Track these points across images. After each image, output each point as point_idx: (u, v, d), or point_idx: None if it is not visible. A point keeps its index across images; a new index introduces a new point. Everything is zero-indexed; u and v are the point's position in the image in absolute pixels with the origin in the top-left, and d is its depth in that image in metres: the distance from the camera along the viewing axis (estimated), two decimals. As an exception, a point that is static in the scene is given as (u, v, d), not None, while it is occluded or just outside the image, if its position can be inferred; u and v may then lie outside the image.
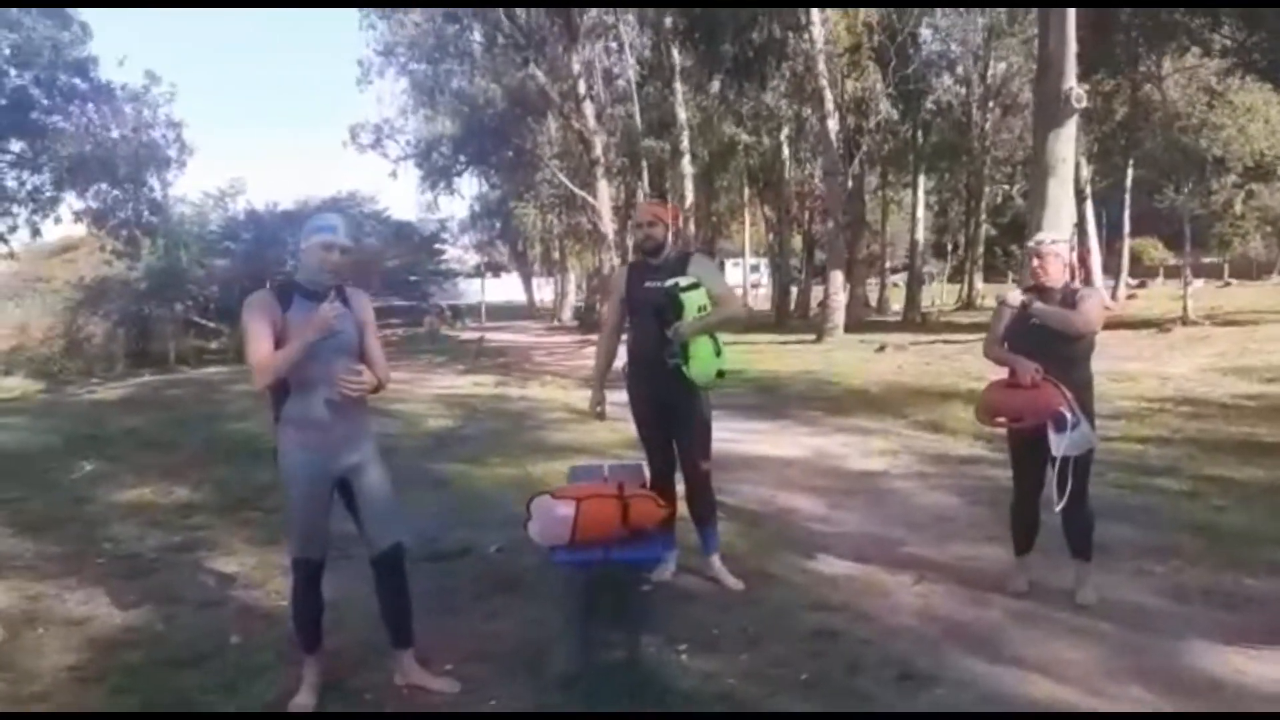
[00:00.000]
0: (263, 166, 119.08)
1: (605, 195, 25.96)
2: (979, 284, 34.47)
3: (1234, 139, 24.00)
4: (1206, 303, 23.89)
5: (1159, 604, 3.95)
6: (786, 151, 28.84)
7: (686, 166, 25.64)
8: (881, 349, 16.94)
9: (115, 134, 21.66)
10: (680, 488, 4.36)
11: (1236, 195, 28.22)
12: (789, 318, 29.69)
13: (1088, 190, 26.72)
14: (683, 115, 25.47)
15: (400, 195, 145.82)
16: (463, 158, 31.20)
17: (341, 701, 3.25)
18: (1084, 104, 13.66)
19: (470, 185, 39.60)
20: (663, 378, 4.09)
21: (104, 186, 22.20)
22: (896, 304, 33.41)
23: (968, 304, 32.64)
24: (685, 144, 25.50)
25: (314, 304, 3.06)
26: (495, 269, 52.74)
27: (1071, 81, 13.31)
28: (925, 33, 28.90)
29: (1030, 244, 4.11)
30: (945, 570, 4.44)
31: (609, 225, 25.47)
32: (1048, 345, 3.77)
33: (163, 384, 15.87)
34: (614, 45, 27.95)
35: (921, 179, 32.92)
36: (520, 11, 24.77)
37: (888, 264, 39.40)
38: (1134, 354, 13.55)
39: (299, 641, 3.29)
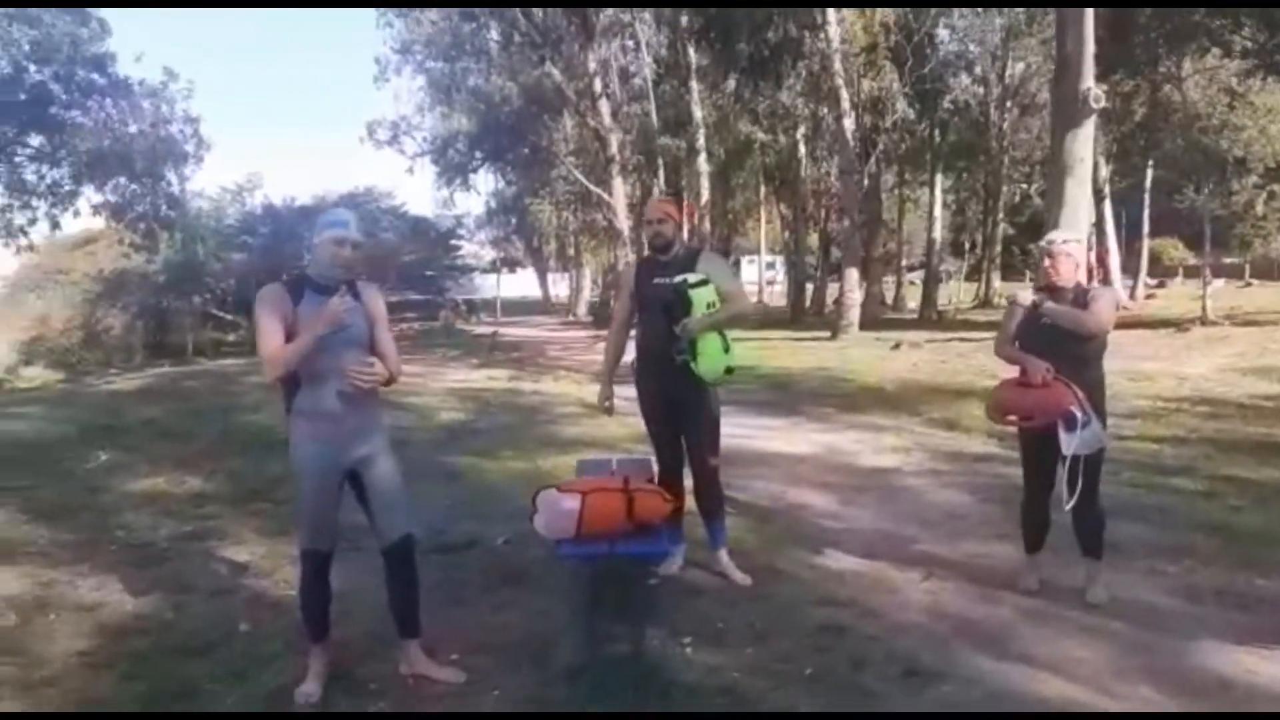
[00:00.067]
0: (273, 166, 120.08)
1: (620, 192, 25.97)
2: (996, 282, 34.33)
3: (1255, 140, 23.74)
4: (1226, 303, 23.67)
5: (1171, 604, 3.92)
6: (803, 150, 28.74)
7: (702, 164, 25.63)
8: (897, 346, 16.85)
9: (133, 129, 21.81)
10: (689, 483, 4.36)
11: (1258, 196, 27.92)
12: (804, 314, 29.61)
13: (1107, 190, 26.52)
14: (699, 113, 25.45)
15: (417, 191, 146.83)
16: (479, 154, 31.28)
17: (347, 691, 3.26)
18: (1102, 104, 13.57)
19: (486, 181, 39.94)
20: (671, 374, 4.09)
21: (122, 180, 22.36)
22: (913, 302, 33.28)
23: (985, 302, 32.46)
24: (701, 142, 25.50)
25: (324, 298, 3.08)
26: (510, 264, 52.95)
27: (1089, 82, 13.23)
28: (943, 33, 28.71)
29: (1042, 243, 4.08)
30: (955, 567, 4.42)
31: (624, 222, 25.44)
32: (1059, 344, 3.76)
33: (180, 375, 16.00)
34: (630, 44, 27.94)
35: (939, 178, 32.78)
36: (537, 10, 24.80)
37: (904, 262, 39.23)
38: (1151, 353, 13.45)
39: (306, 631, 3.31)
